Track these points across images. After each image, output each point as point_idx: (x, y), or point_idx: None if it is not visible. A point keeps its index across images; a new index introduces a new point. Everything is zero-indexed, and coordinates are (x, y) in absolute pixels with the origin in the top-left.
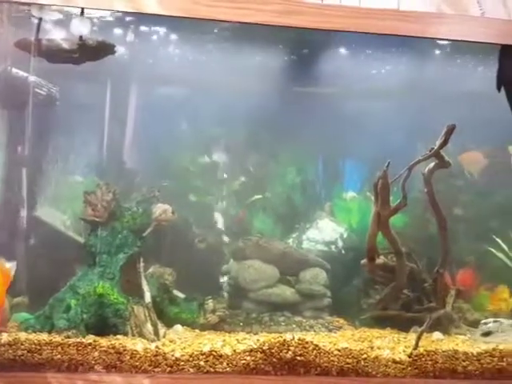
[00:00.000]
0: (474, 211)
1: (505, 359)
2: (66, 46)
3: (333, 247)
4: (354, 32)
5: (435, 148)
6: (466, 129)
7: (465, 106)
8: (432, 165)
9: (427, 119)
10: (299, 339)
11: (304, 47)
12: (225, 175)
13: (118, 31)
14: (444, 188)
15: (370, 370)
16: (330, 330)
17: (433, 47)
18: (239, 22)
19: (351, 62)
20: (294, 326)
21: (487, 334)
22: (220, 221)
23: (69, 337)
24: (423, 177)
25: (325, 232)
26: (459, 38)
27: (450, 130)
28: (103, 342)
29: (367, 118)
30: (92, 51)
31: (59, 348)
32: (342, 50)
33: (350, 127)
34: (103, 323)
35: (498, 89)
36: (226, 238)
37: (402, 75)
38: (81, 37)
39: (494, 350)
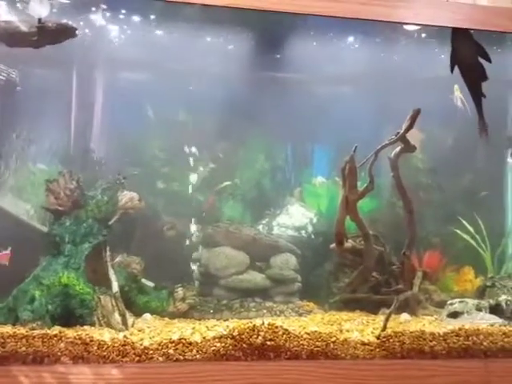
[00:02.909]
0: (440, 194)
1: (470, 338)
2: (24, 28)
3: (303, 232)
4: (320, 15)
5: (401, 132)
6: (432, 112)
7: (432, 90)
8: (398, 149)
9: (394, 104)
10: (269, 324)
11: (271, 32)
12: (193, 162)
13: (82, 14)
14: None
15: (339, 353)
16: (301, 315)
17: (399, 31)
18: (207, 5)
19: (319, 47)
20: (265, 311)
21: (453, 314)
22: (189, 208)
23: (34, 329)
24: (389, 161)
25: (295, 217)
26: (426, 23)
27: (416, 114)
28: (69, 333)
29: (335, 104)
30: (52, 34)
31: (24, 340)
32: (310, 35)
33: (319, 112)
34: (69, 314)
35: (452, 70)
36: (195, 226)
37: (368, 60)
38: (40, 19)
39: (459, 329)
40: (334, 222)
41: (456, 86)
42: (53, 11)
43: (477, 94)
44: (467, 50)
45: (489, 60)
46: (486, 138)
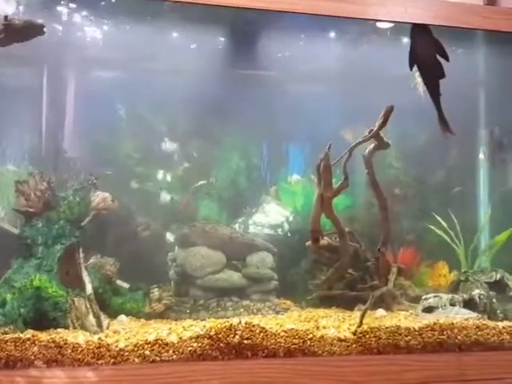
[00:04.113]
0: (414, 190)
1: (445, 332)
2: None
3: (279, 230)
4: (292, 13)
5: (374, 129)
6: (405, 109)
7: (405, 88)
8: (372, 146)
9: (368, 101)
10: (246, 323)
11: (245, 29)
12: (168, 161)
13: (50, 10)
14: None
15: (316, 350)
16: (278, 313)
17: (373, 29)
18: (179, 2)
19: (294, 45)
20: (242, 310)
21: (428, 309)
22: (164, 208)
23: (6, 333)
24: (363, 158)
25: (271, 216)
26: (398, 20)
27: (389, 111)
28: (42, 336)
29: (309, 102)
30: (19, 32)
31: None
32: (285, 33)
33: (293, 110)
34: (42, 317)
35: (411, 67)
36: (170, 225)
37: (342, 58)
38: (6, 17)
39: (434, 324)
40: (309, 220)
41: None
42: (19, 8)
43: (435, 92)
44: (426, 47)
45: (447, 58)
46: (452, 135)
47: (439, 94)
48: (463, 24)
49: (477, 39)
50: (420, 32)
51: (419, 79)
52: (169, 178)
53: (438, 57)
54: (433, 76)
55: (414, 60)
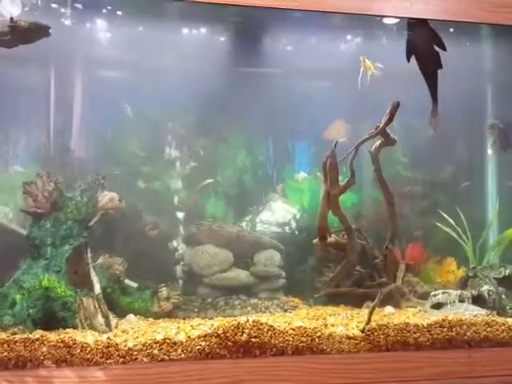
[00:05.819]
0: (421, 187)
1: (454, 329)
2: None
3: (286, 228)
4: (298, 10)
5: (380, 126)
6: (412, 104)
7: (410, 83)
8: (378, 143)
9: (374, 98)
10: (254, 321)
11: (250, 27)
12: (174, 160)
13: (57, 10)
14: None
15: (324, 348)
16: (286, 310)
17: (378, 24)
18: (183, 0)
19: (298, 42)
20: (250, 308)
21: (437, 305)
22: (171, 207)
23: (15, 333)
24: (370, 155)
25: (278, 213)
26: (404, 15)
27: (395, 108)
28: (52, 336)
29: (315, 98)
30: (24, 33)
31: (5, 345)
32: (289, 30)
33: (299, 108)
34: (51, 317)
35: (408, 59)
36: (178, 224)
37: (347, 54)
38: (11, 18)
39: (443, 320)
40: (316, 218)
41: (362, 57)
42: (25, 10)
43: (432, 83)
44: (423, 38)
45: (444, 48)
46: (438, 128)
47: (436, 84)
48: (466, 18)
49: (483, 33)
50: (417, 23)
51: (369, 63)
52: (176, 176)
53: (436, 47)
54: (430, 66)
55: (411, 51)
